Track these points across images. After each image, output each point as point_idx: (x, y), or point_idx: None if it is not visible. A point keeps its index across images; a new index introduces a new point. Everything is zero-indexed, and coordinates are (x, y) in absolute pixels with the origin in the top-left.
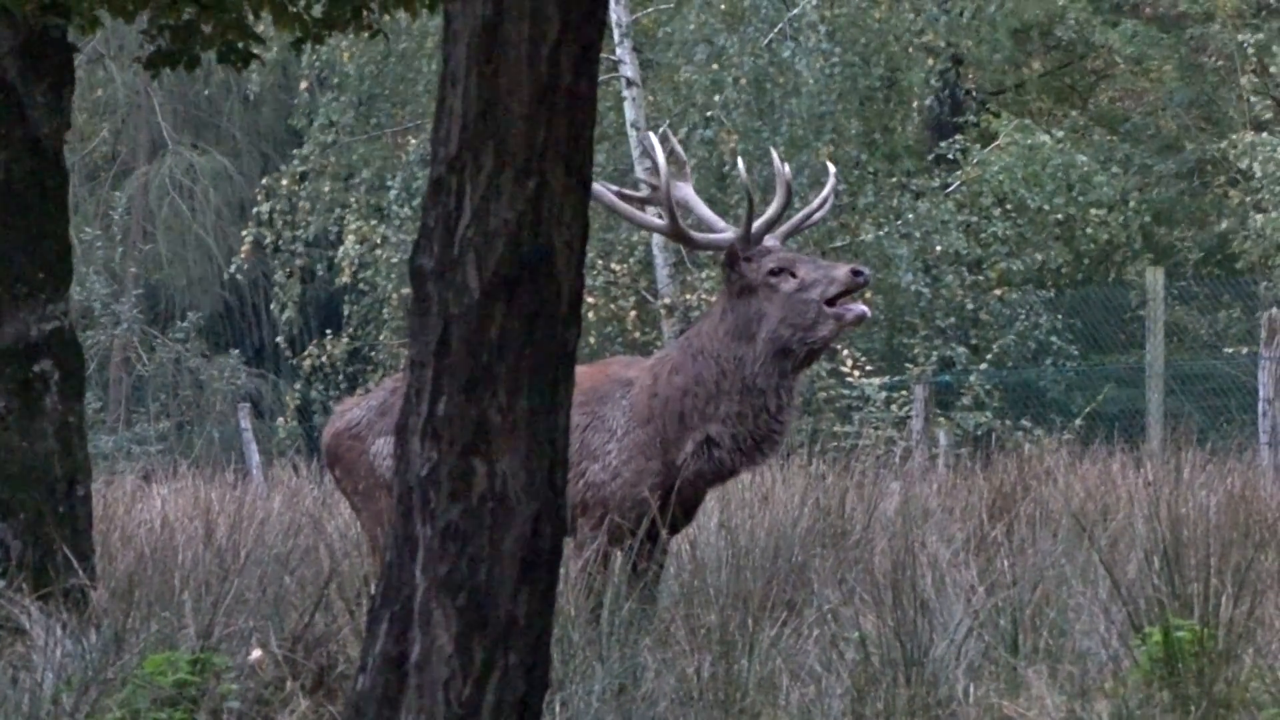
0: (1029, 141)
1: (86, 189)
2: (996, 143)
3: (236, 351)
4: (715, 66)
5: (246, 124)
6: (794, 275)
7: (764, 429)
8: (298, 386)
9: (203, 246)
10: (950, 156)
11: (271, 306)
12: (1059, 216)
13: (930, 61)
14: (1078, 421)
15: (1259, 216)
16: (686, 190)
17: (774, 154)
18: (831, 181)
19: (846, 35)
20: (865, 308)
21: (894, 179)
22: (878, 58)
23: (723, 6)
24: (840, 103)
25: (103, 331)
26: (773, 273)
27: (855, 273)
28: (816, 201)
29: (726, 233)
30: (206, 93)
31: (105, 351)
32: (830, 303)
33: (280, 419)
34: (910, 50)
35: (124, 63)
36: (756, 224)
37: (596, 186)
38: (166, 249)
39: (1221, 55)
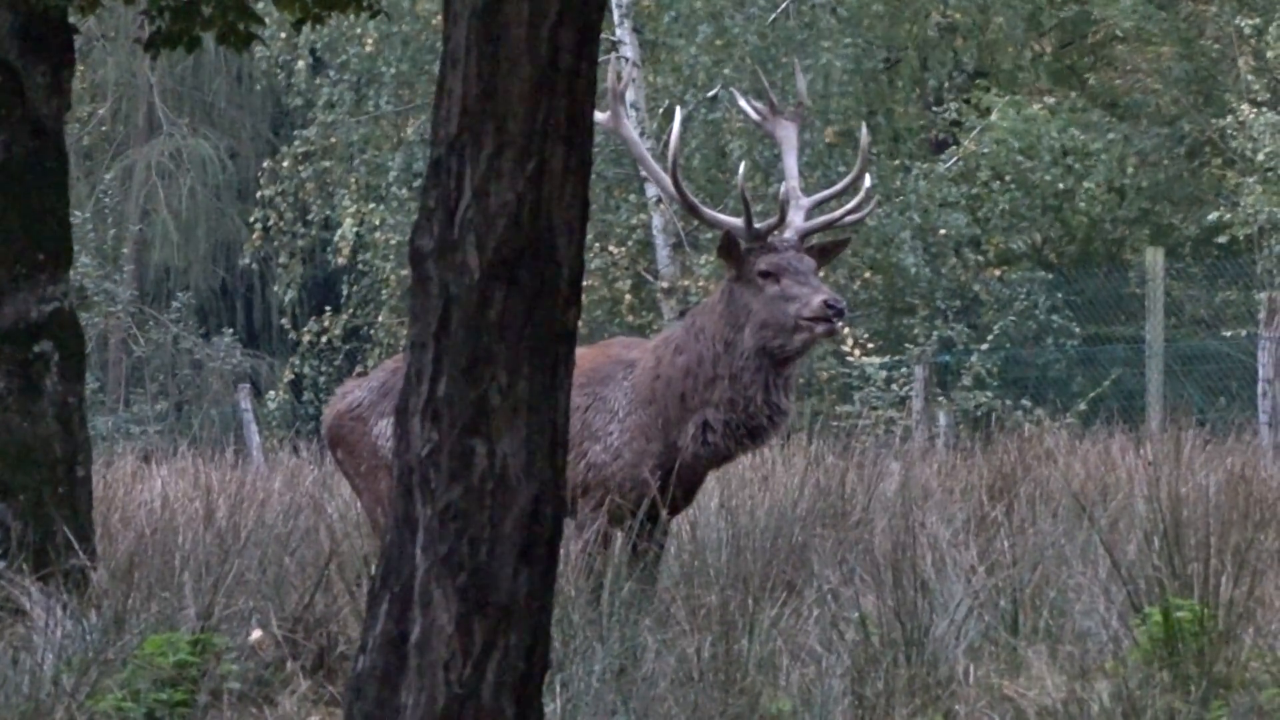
0: (1024, 114)
1: (81, 170)
2: (991, 116)
3: (230, 331)
4: (719, 42)
5: (242, 103)
6: (778, 283)
7: (756, 417)
8: (294, 360)
9: (197, 226)
10: (945, 117)
11: (275, 288)
12: (1059, 187)
13: (959, 42)
14: (1081, 406)
15: (1249, 198)
16: (789, 131)
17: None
18: (864, 191)
19: (856, 15)
20: (836, 324)
21: (896, 161)
22: (886, 38)
23: None
24: (849, 83)
25: (98, 312)
26: (762, 274)
27: (829, 304)
28: (846, 209)
29: (737, 219)
30: (215, 83)
31: (101, 332)
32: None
33: (271, 392)
34: (931, 33)
35: (121, 43)
36: (759, 224)
37: (633, 136)
38: (160, 229)
39: (1218, 38)
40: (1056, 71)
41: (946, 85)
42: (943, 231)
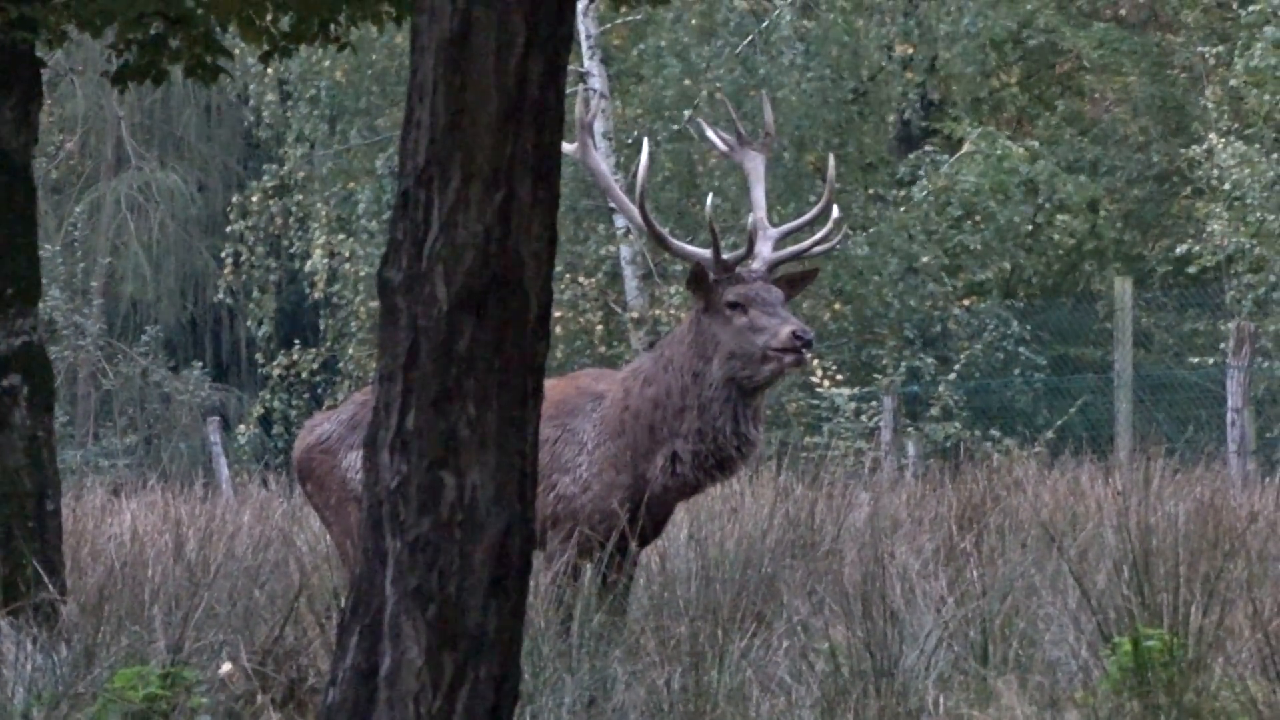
0: (996, 151)
1: (50, 203)
2: (963, 149)
3: (200, 364)
4: (686, 82)
5: (211, 135)
6: (746, 314)
7: (725, 448)
8: (263, 394)
9: (166, 259)
10: (921, 173)
11: (248, 323)
12: (1028, 226)
13: (908, 75)
14: (1048, 434)
15: (1216, 225)
16: (757, 162)
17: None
18: (831, 222)
19: (820, 48)
20: (805, 355)
21: (870, 190)
22: (851, 70)
23: (694, 22)
24: (815, 115)
25: (67, 345)
26: (730, 305)
27: (797, 335)
28: (814, 239)
29: (707, 251)
30: (183, 116)
31: (71, 365)
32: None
33: (241, 425)
34: (885, 65)
35: (89, 76)
36: (727, 256)
37: (602, 167)
38: (129, 262)
39: (1186, 67)
40: (1023, 105)
41: (914, 118)
42: (926, 259)
